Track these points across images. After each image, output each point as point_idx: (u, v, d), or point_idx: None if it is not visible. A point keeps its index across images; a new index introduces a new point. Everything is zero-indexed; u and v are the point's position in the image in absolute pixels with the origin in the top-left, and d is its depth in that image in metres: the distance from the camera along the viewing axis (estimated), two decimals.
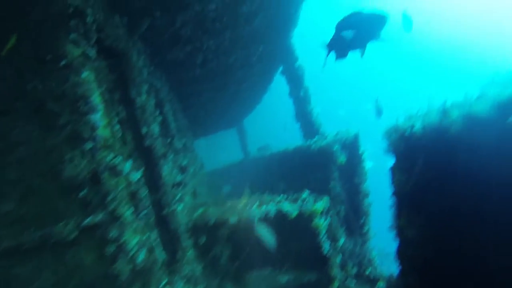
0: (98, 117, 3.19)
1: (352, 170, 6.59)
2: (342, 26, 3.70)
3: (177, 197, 5.45)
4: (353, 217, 6.53)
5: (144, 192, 4.21)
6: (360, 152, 6.66)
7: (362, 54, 3.15)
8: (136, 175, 3.53)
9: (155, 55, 7.05)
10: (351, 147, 6.59)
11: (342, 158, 6.32)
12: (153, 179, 5.07)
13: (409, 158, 3.10)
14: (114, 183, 3.21)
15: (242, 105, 14.22)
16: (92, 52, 3.31)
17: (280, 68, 9.38)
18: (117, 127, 3.39)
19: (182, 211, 5.56)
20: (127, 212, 3.18)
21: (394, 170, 3.36)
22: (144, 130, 5.01)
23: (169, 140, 6.91)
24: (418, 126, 2.97)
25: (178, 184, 5.72)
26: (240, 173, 16.33)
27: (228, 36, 7.26)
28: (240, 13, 6.51)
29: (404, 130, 3.12)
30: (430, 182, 2.85)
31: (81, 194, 2.94)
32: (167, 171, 5.41)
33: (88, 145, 2.98)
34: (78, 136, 2.97)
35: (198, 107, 12.62)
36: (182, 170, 6.83)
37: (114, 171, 3.25)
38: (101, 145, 3.17)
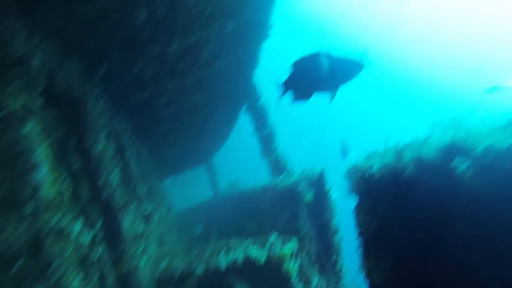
0: (43, 175, 2.79)
1: (320, 207, 6.44)
2: (303, 65, 3.28)
3: (140, 250, 4.94)
4: (325, 255, 6.28)
5: (98, 252, 3.73)
6: (327, 188, 6.56)
7: (332, 98, 2.95)
8: (88, 236, 3.10)
9: (116, 99, 6.72)
10: (318, 184, 6.48)
11: (309, 196, 6.17)
12: (112, 234, 4.58)
13: (370, 199, 2.99)
14: (59, 249, 2.76)
15: (210, 143, 13.96)
16: (39, 102, 2.97)
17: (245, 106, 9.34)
18: (68, 181, 2.99)
19: (146, 264, 5.04)
20: (75, 281, 2.72)
21: (357, 210, 3.23)
22: (101, 181, 4.57)
23: (131, 187, 6.44)
24: (376, 167, 2.89)
25: (141, 235, 5.22)
26: (211, 211, 15.75)
27: (190, 77, 7.13)
28: (201, 55, 6.43)
29: (364, 171, 3.03)
30: (392, 223, 2.75)
31: (16, 267, 2.47)
32: (128, 222, 4.93)
33: (28, 208, 2.56)
34: (15, 199, 2.55)
35: (165, 147, 12.19)
36: (146, 218, 6.32)
37: (60, 234, 2.81)
38: (45, 207, 2.75)
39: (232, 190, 14.99)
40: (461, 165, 2.00)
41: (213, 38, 5.87)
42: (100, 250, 3.91)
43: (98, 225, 4.21)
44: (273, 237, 4.76)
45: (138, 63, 5.87)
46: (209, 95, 8.56)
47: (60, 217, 2.86)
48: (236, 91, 8.44)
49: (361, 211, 2.99)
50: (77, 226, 3.00)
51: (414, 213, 2.53)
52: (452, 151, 2.06)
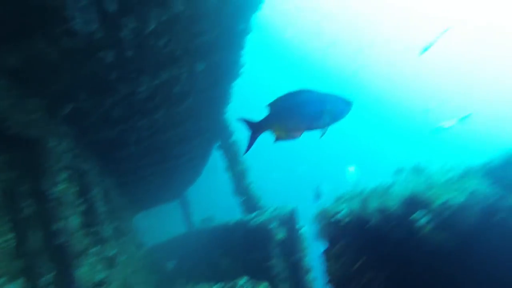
0: None
1: (292, 246, 6.19)
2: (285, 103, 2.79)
3: None
4: None
5: None
6: (298, 227, 6.36)
7: (322, 135, 2.68)
8: None
9: (83, 136, 6.38)
10: (289, 222, 6.28)
11: (280, 235, 5.95)
12: (64, 285, 4.11)
13: (338, 244, 2.86)
14: None
15: (183, 178, 13.55)
16: None
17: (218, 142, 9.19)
18: (10, 235, 2.63)
19: None
20: None
21: (326, 256, 3.08)
22: (58, 225, 4.16)
23: (94, 229, 5.95)
24: (343, 213, 2.80)
25: (101, 283, 4.74)
26: (184, 246, 15.07)
27: (161, 114, 6.95)
28: (172, 93, 6.31)
29: (332, 216, 2.92)
30: (359, 270, 2.63)
31: None
32: (86, 270, 4.47)
33: None
34: None
35: (137, 183, 11.66)
36: (110, 261, 5.81)
37: None
38: None
39: (206, 225, 14.48)
40: (421, 219, 1.98)
41: (183, 78, 5.79)
42: None
43: (49, 277, 3.76)
44: (242, 281, 4.44)
45: (107, 102, 5.65)
46: (180, 132, 8.36)
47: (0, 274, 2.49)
48: (208, 128, 8.31)
49: (329, 256, 2.84)
50: (16, 285, 2.61)
51: (381, 261, 2.46)
52: (413, 203, 2.05)
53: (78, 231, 4.63)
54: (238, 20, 4.98)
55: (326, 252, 3.02)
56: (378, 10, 41.71)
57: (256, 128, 2.82)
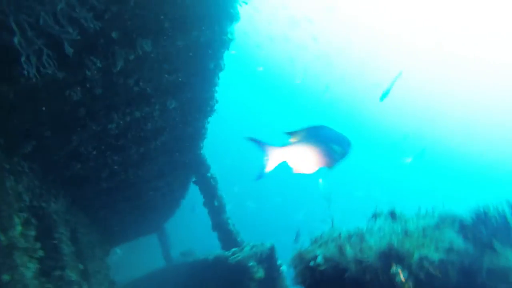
0: None
1: (272, 285, 5.80)
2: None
3: None
4: None
5: None
6: (278, 264, 6.02)
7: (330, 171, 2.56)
8: None
9: (49, 172, 5.94)
10: (268, 260, 5.94)
11: (259, 273, 5.57)
12: None
13: None
14: None
15: (160, 212, 12.95)
16: None
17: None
18: None
19: None
20: None
21: None
22: (5, 278, 3.68)
23: (57, 273, 5.39)
24: (320, 259, 2.57)
25: None
26: (162, 282, 14.19)
27: (134, 151, 6.64)
28: (145, 129, 6.07)
29: (308, 261, 2.68)
30: None
31: None
32: None
33: None
34: None
35: (111, 218, 10.99)
36: None
37: None
38: None
39: (185, 260, 13.75)
40: (400, 275, 1.82)
41: (155, 115, 5.60)
42: None
43: None
44: None
45: (74, 140, 5.33)
46: (155, 168, 8.03)
47: None
48: (184, 163, 8.02)
49: None
50: None
51: None
52: (390, 255, 1.95)
53: (32, 280, 4.13)
54: (209, 58, 4.91)
55: None
56: (348, 41, 43.38)
57: (277, 154, 2.58)
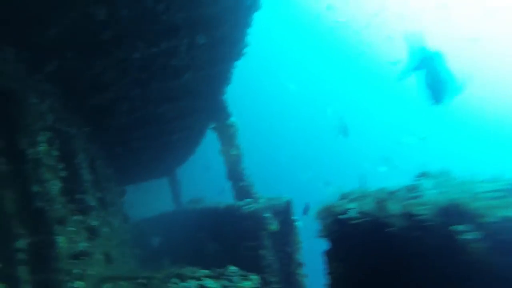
0: None
1: (285, 238, 5.99)
2: None
3: (75, 273, 4.22)
4: None
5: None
6: (292, 219, 6.14)
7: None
8: None
9: (71, 99, 6.02)
10: (284, 214, 6.06)
11: (273, 226, 5.73)
12: (42, 253, 3.86)
13: (345, 246, 2.61)
14: None
15: (174, 156, 13.24)
16: None
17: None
18: None
19: None
20: None
21: (329, 257, 2.84)
22: (35, 188, 3.88)
23: (78, 196, 5.68)
24: (353, 213, 2.54)
25: (81, 254, 4.50)
26: (171, 224, 14.86)
27: (155, 86, 6.60)
28: (168, 65, 5.96)
29: (339, 213, 2.67)
30: (371, 280, 2.38)
31: None
32: (65, 238, 4.22)
33: None
34: None
35: (126, 155, 11.34)
36: (91, 233, 5.56)
37: None
38: None
39: (194, 206, 14.25)
40: (471, 235, 1.65)
41: (182, 50, 5.43)
42: (16, 274, 3.22)
43: (17, 243, 3.50)
44: (230, 270, 4.22)
45: (98, 65, 5.29)
46: (175, 108, 8.03)
47: None
48: (205, 107, 7.98)
49: (333, 258, 2.59)
50: None
51: (404, 273, 2.11)
52: (453, 213, 1.78)
53: (58, 197, 4.36)
54: None
55: (329, 252, 2.76)
56: None
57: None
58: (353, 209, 2.55)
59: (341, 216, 2.58)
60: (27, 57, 4.22)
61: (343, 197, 2.92)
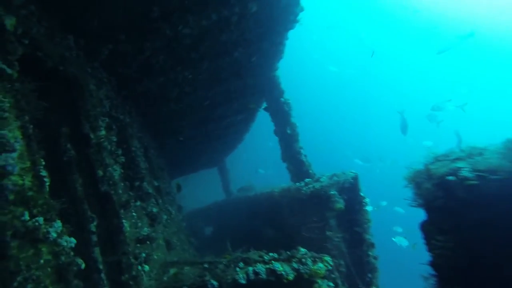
0: (12, 159, 2.17)
1: (352, 218, 5.60)
2: None
3: (142, 257, 4.28)
4: (357, 274, 5.44)
5: (88, 258, 3.09)
6: (361, 196, 5.71)
7: None
8: (71, 240, 2.44)
9: (123, 86, 6.14)
10: (351, 191, 5.64)
11: (340, 204, 5.35)
12: (109, 236, 3.93)
13: (457, 214, 2.20)
14: (29, 256, 2.13)
15: (223, 144, 13.33)
16: (10, 70, 2.35)
17: (264, 104, 8.62)
18: (43, 173, 2.36)
19: (149, 274, 4.37)
20: None
21: (430, 229, 2.45)
22: (99, 173, 3.95)
23: (136, 183, 5.81)
24: (466, 173, 2.12)
25: (145, 238, 4.56)
26: (223, 213, 15.08)
27: (205, 67, 6.49)
28: (218, 41, 5.79)
29: (442, 176, 2.26)
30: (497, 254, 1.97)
31: None
32: (130, 223, 4.28)
33: None
34: None
35: (176, 145, 11.61)
36: (152, 219, 5.67)
37: (32, 237, 2.18)
38: (13, 200, 2.13)
39: (246, 193, 14.29)
40: None
41: (233, 21, 5.21)
42: (92, 255, 3.28)
43: (91, 226, 3.57)
44: (301, 252, 3.98)
45: (147, 48, 5.28)
46: (225, 90, 7.92)
47: (37, 212, 2.23)
48: (256, 86, 7.75)
49: (436, 230, 2.22)
50: (56, 227, 2.35)
51: None
52: None
53: (119, 182, 4.43)
54: None
55: (431, 223, 2.37)
56: None
57: None
58: (465, 168, 2.12)
59: (448, 178, 2.17)
60: (84, 44, 4.29)
61: (441, 158, 2.50)
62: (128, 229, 4.08)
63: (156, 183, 7.26)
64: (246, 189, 16.26)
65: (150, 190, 6.32)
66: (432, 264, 2.41)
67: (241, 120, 10.41)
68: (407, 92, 45.21)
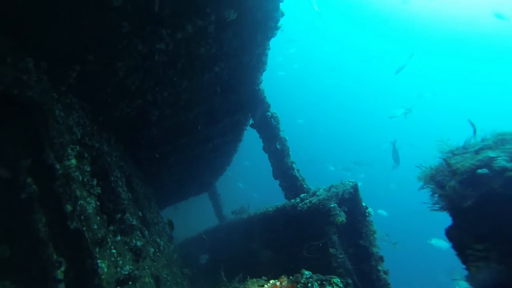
0: None
1: (355, 230, 5.12)
2: None
3: None
4: None
5: None
6: (363, 207, 5.25)
7: None
8: None
9: (98, 112, 5.68)
10: (351, 201, 5.19)
11: (341, 217, 4.87)
12: (82, 281, 3.36)
13: (495, 217, 1.80)
14: None
15: (211, 167, 12.80)
16: None
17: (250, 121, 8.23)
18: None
19: None
20: None
21: (463, 238, 2.03)
22: (68, 208, 3.41)
23: (118, 216, 5.24)
24: (504, 162, 1.73)
25: (127, 279, 3.97)
26: (217, 239, 14.40)
27: (185, 86, 6.10)
28: (197, 56, 5.44)
29: (471, 171, 1.87)
30: None
31: None
32: (108, 263, 3.71)
33: None
34: None
35: (163, 173, 11.04)
36: (137, 254, 5.07)
37: None
38: None
39: (239, 216, 13.70)
40: None
41: (210, 31, 4.88)
42: None
43: (57, 272, 3.01)
44: (305, 276, 3.46)
45: (120, 68, 4.87)
46: (208, 110, 7.52)
47: None
48: (240, 103, 7.39)
49: (472, 237, 1.80)
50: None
51: None
52: None
53: (94, 216, 3.89)
54: None
55: (461, 227, 1.96)
56: None
57: None
58: (500, 157, 1.74)
59: (480, 171, 1.77)
60: (47, 67, 3.86)
61: (457, 151, 2.11)
62: (105, 270, 3.51)
63: (140, 214, 6.66)
64: (239, 212, 15.68)
65: (134, 222, 5.73)
66: (473, 280, 1.96)
67: (228, 141, 9.98)
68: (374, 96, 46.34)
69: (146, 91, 5.89)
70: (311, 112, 46.72)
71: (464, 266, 2.17)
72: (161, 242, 7.26)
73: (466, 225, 2.01)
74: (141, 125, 7.09)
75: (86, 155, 4.32)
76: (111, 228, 4.85)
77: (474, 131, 2.42)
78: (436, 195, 2.18)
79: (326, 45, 47.49)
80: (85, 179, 3.97)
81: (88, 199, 3.89)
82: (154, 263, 5.99)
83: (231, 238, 12.30)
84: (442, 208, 2.15)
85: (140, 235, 5.90)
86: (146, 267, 5.27)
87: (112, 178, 5.59)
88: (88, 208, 3.72)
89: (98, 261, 3.37)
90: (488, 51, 43.73)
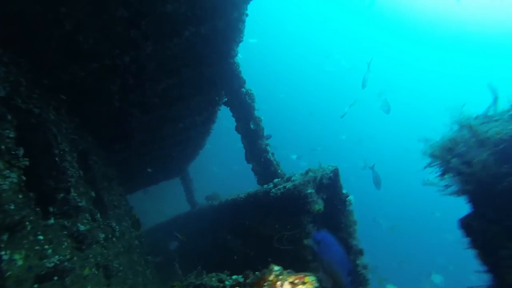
0: None
1: (334, 220, 4.47)
2: None
3: None
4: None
5: None
6: (343, 194, 4.58)
7: None
8: None
9: (43, 73, 4.67)
10: (331, 188, 4.51)
11: (318, 205, 4.19)
12: None
13: None
14: None
15: (183, 150, 11.86)
16: None
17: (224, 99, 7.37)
18: None
19: None
20: None
21: (491, 233, 1.42)
22: None
23: (60, 195, 4.31)
24: None
25: (52, 273, 3.10)
26: (187, 225, 13.67)
27: (150, 51, 5.17)
28: (163, 16, 4.53)
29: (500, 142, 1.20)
30: None
31: None
32: (26, 254, 2.83)
33: None
34: None
35: (130, 153, 10.00)
36: (79, 241, 4.19)
37: None
38: None
39: (210, 202, 12.97)
40: None
41: None
42: None
43: None
44: (275, 272, 2.71)
45: (67, 17, 3.89)
46: (177, 83, 6.59)
47: None
48: (213, 76, 6.51)
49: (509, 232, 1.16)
50: None
51: None
52: None
53: (14, 194, 2.97)
54: None
55: (496, 220, 1.32)
56: None
57: None
58: None
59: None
60: None
61: (477, 120, 1.48)
62: (20, 263, 2.63)
63: (94, 194, 5.71)
64: (211, 198, 14.96)
65: (83, 203, 4.80)
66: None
67: (200, 121, 9.08)
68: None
69: (103, 53, 4.92)
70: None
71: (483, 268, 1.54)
72: (117, 227, 6.35)
73: (497, 214, 1.35)
74: (101, 96, 6.08)
75: (9, 117, 3.35)
76: (51, 209, 3.94)
77: (495, 99, 1.74)
78: (451, 175, 1.50)
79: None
80: (3, 147, 3.03)
81: (6, 171, 2.96)
82: (105, 251, 5.11)
83: (201, 225, 11.57)
84: (459, 192, 1.49)
85: (90, 219, 4.99)
86: (91, 255, 4.38)
87: (56, 151, 4.61)
88: (2, 182, 2.81)
89: (4, 252, 2.48)
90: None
